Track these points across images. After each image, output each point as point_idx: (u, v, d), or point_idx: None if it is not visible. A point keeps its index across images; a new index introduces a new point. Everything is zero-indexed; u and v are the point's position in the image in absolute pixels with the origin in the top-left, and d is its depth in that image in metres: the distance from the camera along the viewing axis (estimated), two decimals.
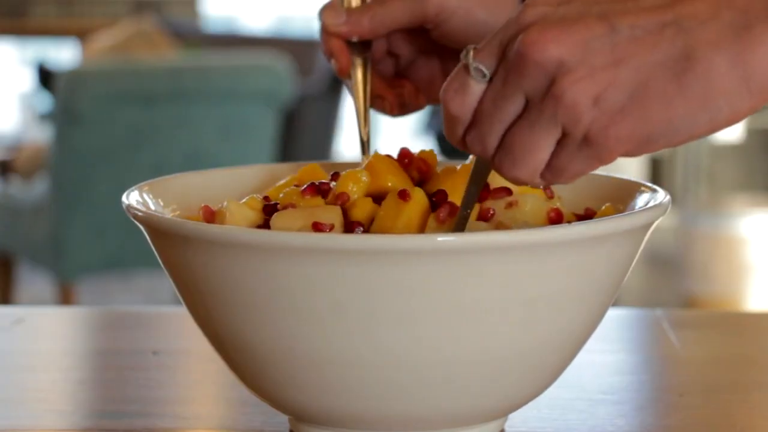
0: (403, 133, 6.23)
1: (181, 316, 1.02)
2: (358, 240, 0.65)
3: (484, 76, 0.63)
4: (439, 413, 0.70)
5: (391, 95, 0.88)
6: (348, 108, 4.64)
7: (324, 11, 0.85)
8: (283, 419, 0.77)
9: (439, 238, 0.64)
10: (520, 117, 0.63)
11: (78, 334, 1.08)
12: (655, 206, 0.71)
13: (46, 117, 4.48)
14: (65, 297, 3.29)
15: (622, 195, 0.78)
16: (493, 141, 0.64)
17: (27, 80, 5.83)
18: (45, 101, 4.66)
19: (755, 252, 3.75)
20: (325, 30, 0.84)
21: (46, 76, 4.01)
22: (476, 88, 0.64)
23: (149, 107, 3.16)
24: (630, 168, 4.25)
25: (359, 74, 0.85)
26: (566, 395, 0.82)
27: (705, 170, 4.69)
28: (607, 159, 0.63)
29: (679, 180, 4.78)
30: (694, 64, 0.61)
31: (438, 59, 0.88)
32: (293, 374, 0.69)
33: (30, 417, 0.81)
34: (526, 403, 0.73)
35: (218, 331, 0.71)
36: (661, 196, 0.74)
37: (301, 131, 3.92)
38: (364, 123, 0.84)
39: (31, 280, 4.12)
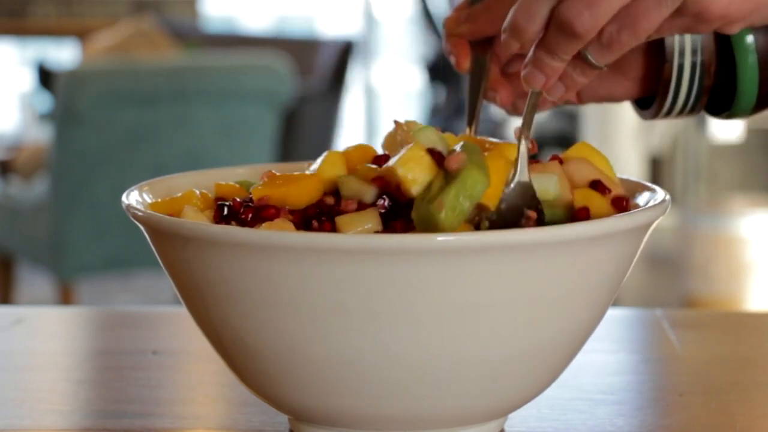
0: None
1: (181, 316, 1.02)
2: (358, 240, 0.65)
3: None
4: (439, 413, 0.70)
5: (505, 90, 0.89)
6: (347, 108, 4.64)
7: (448, 17, 0.88)
8: (283, 419, 0.77)
9: (439, 238, 0.64)
10: None
11: (78, 334, 1.08)
12: (655, 206, 0.71)
13: (46, 117, 4.49)
14: (65, 297, 3.29)
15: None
16: (608, 15, 0.69)
17: (27, 80, 5.83)
18: (45, 101, 4.67)
19: (755, 252, 3.75)
20: (448, 31, 0.88)
21: (46, 76, 4.01)
22: None
23: (149, 107, 3.16)
24: (630, 168, 4.25)
25: (477, 68, 0.88)
26: (566, 395, 0.82)
27: (705, 170, 4.69)
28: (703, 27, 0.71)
29: (679, 180, 4.78)
30: None
31: None
32: (293, 374, 0.69)
33: (30, 417, 0.81)
34: (526, 403, 0.73)
35: (218, 331, 0.71)
36: (661, 196, 0.74)
37: (301, 131, 3.92)
38: (472, 119, 0.86)
39: (31, 280, 4.12)
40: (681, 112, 0.87)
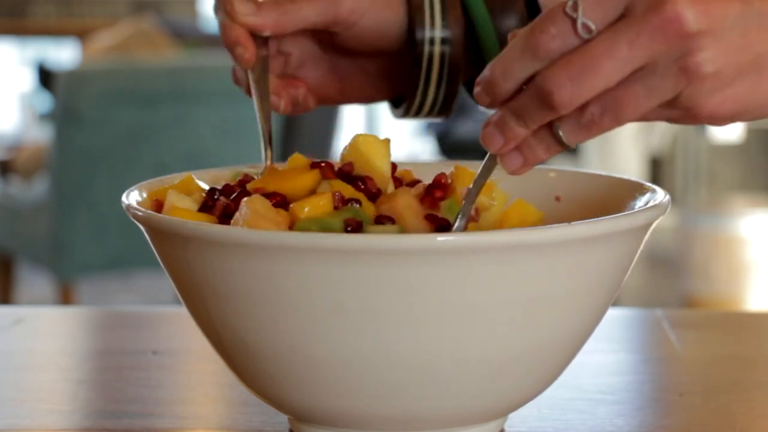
0: (403, 134, 6.23)
1: (181, 316, 1.02)
2: (358, 240, 0.65)
3: (590, 32, 0.63)
4: (439, 413, 0.70)
5: (285, 94, 0.86)
6: (348, 108, 4.63)
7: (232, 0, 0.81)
8: (283, 419, 0.77)
9: (439, 238, 0.64)
10: (631, 77, 0.64)
11: (78, 334, 1.08)
12: (655, 206, 0.71)
13: (46, 117, 4.49)
14: (65, 297, 3.29)
15: (622, 195, 0.78)
16: (592, 93, 0.64)
17: (27, 80, 5.83)
18: (45, 101, 4.67)
19: (755, 252, 3.75)
20: (232, 18, 0.81)
21: (46, 76, 4.01)
22: (574, 40, 0.63)
23: (149, 107, 3.16)
24: (630, 168, 4.25)
25: (259, 70, 0.83)
26: (566, 395, 0.82)
27: (705, 170, 4.69)
28: (693, 120, 0.67)
29: (679, 180, 4.78)
30: None
31: (328, 62, 0.87)
32: (293, 374, 0.69)
33: (30, 417, 0.81)
34: (526, 403, 0.73)
35: (218, 331, 0.71)
36: (661, 196, 0.74)
37: (301, 131, 3.92)
38: (266, 119, 0.83)
39: (31, 280, 4.12)
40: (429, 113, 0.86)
